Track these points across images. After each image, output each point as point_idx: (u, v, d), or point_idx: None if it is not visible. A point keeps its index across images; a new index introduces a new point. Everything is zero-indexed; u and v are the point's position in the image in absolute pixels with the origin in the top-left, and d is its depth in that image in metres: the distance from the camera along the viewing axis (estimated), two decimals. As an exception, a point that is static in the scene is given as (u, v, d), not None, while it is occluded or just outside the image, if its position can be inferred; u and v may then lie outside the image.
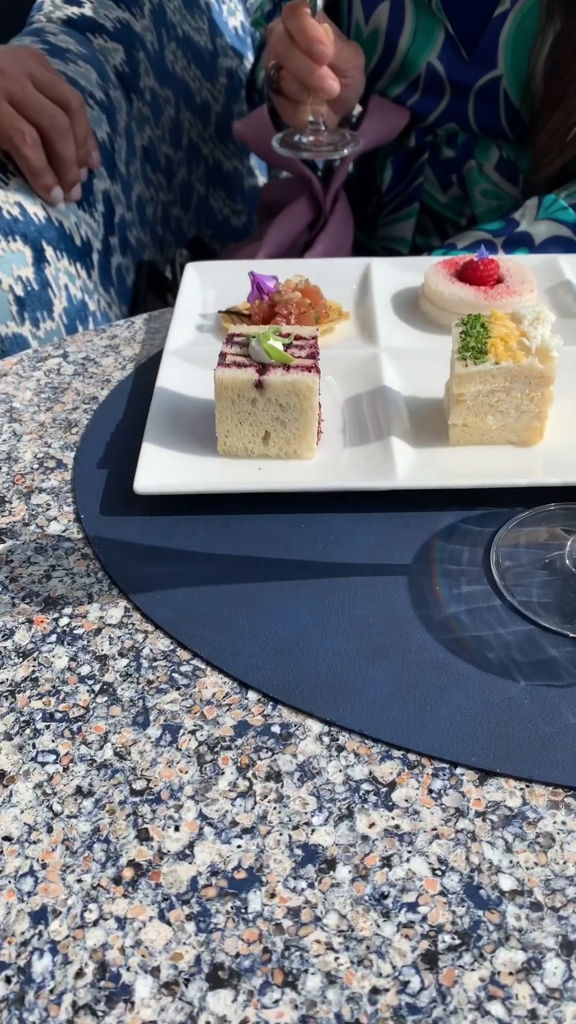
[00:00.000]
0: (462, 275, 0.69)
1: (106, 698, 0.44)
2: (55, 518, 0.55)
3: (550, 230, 0.88)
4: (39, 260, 0.85)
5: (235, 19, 1.30)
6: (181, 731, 0.43)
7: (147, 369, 0.66)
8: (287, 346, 0.55)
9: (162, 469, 0.55)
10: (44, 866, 0.38)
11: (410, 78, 0.97)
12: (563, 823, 0.39)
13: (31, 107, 0.85)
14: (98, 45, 1.07)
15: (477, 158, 0.99)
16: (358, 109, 1.03)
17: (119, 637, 0.47)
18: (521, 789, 0.40)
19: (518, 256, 0.74)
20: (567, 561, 0.50)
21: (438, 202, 1.05)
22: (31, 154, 0.84)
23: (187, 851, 0.38)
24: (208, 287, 0.73)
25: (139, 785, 0.41)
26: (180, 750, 0.42)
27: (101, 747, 0.42)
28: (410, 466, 0.55)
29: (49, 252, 0.87)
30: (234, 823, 0.39)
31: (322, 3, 0.82)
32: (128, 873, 0.37)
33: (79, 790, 0.40)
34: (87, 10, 1.09)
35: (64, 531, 0.54)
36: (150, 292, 1.10)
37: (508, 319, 0.57)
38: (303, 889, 0.37)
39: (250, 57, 1.32)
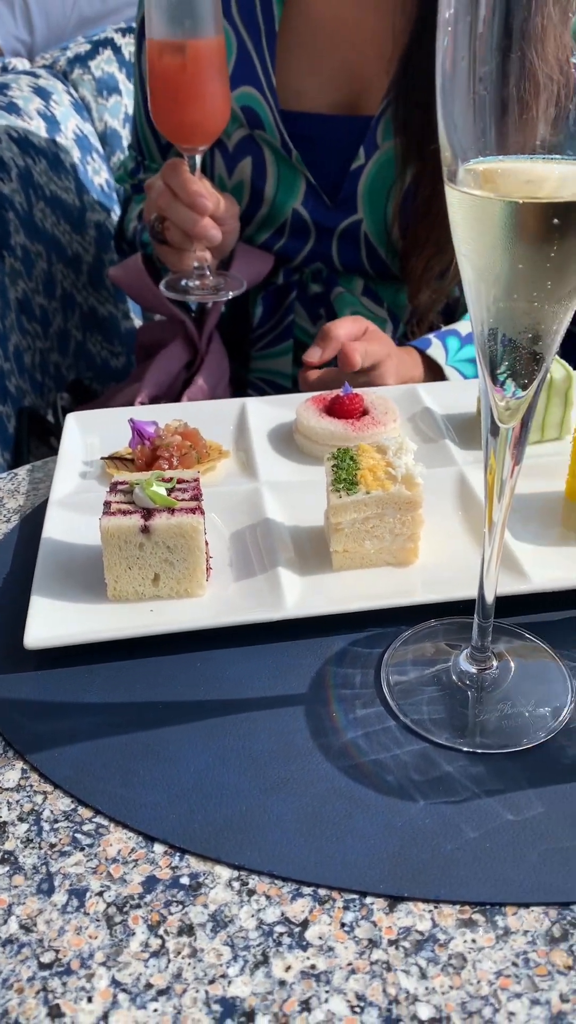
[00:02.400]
0: (330, 409, 0.73)
1: (7, 868, 0.43)
2: (-55, 681, 0.54)
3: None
4: None
5: (100, 177, 1.38)
6: (88, 894, 0.42)
7: (32, 520, 0.67)
8: (170, 490, 0.57)
9: (53, 621, 0.55)
10: (-51, 1062, 0.36)
11: (277, 223, 1.05)
12: (473, 941, 0.40)
13: None
14: (-32, 209, 1.11)
15: (343, 286, 1.07)
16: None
17: (17, 801, 0.46)
18: (430, 911, 0.41)
19: (379, 389, 0.79)
20: (453, 676, 0.52)
21: (309, 335, 1.12)
22: None
23: (101, 1022, 0.37)
24: (89, 434, 0.75)
25: (47, 958, 0.39)
26: (88, 914, 0.41)
27: (5, 921, 0.41)
28: (298, 595, 0.57)
29: None
30: (148, 985, 0.38)
31: (200, 161, 0.89)
32: (40, 1057, 0.36)
33: (-17, 972, 0.39)
34: (-45, 177, 1.14)
35: (-45, 694, 0.53)
36: (33, 437, 1.12)
37: (374, 450, 0.61)
38: (224, 1048, 0.36)
39: (116, 210, 1.40)
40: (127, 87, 1.42)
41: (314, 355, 0.84)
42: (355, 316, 0.91)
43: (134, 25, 1.21)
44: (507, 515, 0.47)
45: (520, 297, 0.39)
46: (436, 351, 0.93)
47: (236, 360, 1.16)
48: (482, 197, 0.37)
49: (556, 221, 0.37)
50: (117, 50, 1.43)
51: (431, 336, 0.95)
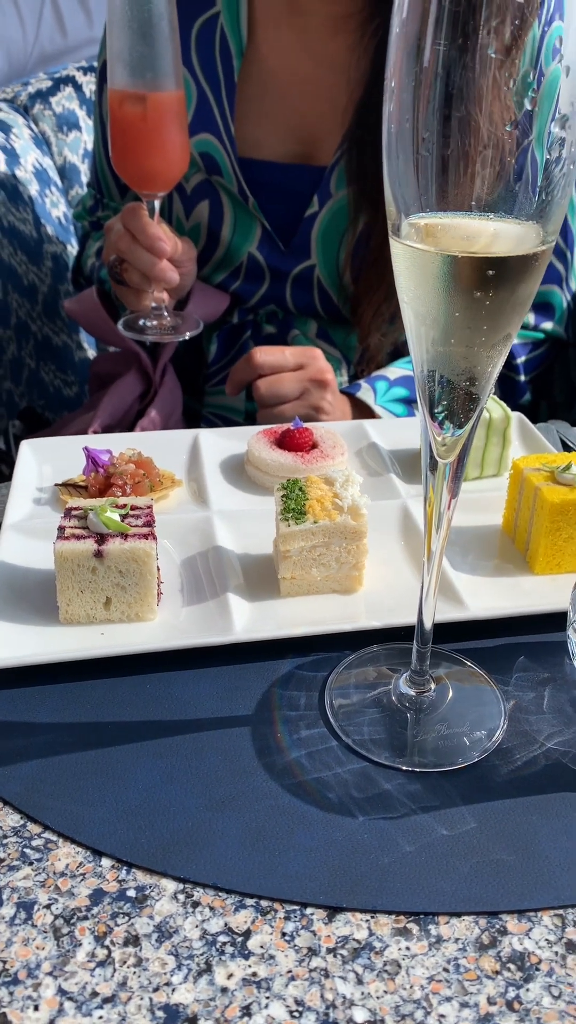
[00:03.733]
0: (281, 442, 0.76)
1: (-44, 882, 0.44)
2: None
3: None
4: None
5: (58, 210, 1.40)
6: (36, 907, 0.43)
7: (-14, 544, 0.68)
8: (124, 516, 0.59)
9: (5, 642, 0.56)
10: None
11: (233, 266, 1.08)
12: (407, 948, 0.42)
13: None
14: None
15: (298, 327, 1.11)
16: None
17: (-33, 817, 0.47)
18: (367, 921, 0.43)
19: (328, 424, 0.82)
20: (393, 698, 0.55)
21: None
22: None
23: (47, 1031, 0.38)
24: (43, 462, 0.76)
25: (-6, 969, 0.40)
26: (35, 926, 0.42)
27: (-47, 934, 0.42)
28: (246, 619, 0.59)
29: None
30: (94, 993, 0.39)
31: (158, 206, 0.92)
32: (-14, 1064, 0.37)
33: None
34: None
35: None
36: (-16, 463, 1.12)
37: (322, 482, 0.64)
38: (167, 1053, 0.37)
39: (73, 243, 1.42)
40: (87, 123, 1.45)
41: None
42: (297, 349, 0.94)
43: (95, 64, 1.25)
44: (444, 545, 0.50)
45: (457, 342, 0.42)
46: (365, 394, 0.98)
47: (189, 393, 1.19)
48: (423, 250, 0.41)
49: (490, 273, 0.40)
50: (78, 87, 1.46)
51: (361, 381, 1.00)
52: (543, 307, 1.08)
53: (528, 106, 0.38)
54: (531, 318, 1.07)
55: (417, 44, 0.38)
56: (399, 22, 0.38)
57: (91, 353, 1.47)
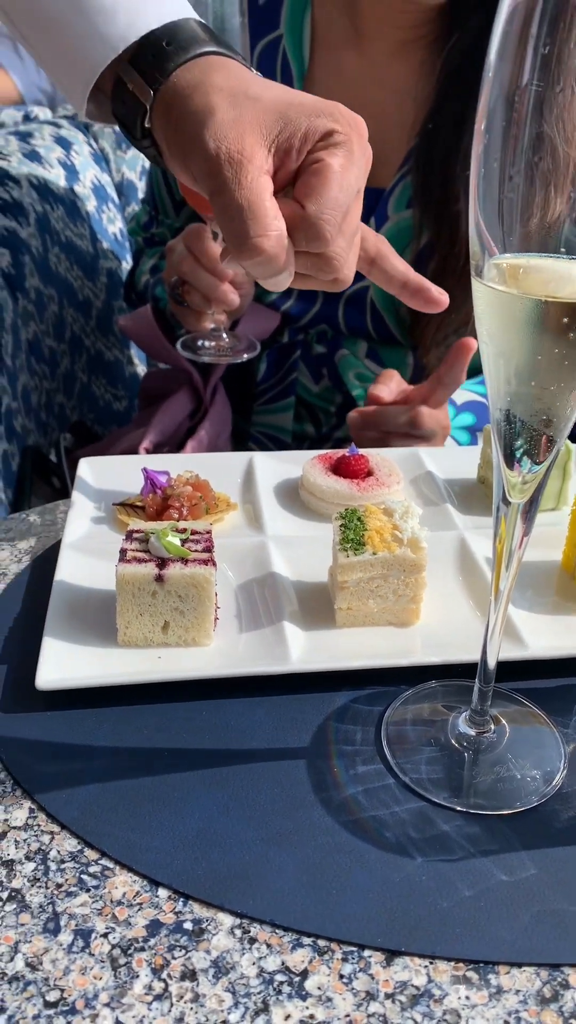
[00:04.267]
0: (336, 468, 0.76)
1: (15, 905, 0.44)
2: (-45, 717, 0.55)
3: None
4: None
5: (114, 227, 1.42)
6: (93, 935, 0.43)
7: (44, 562, 0.68)
8: (184, 540, 0.59)
9: (63, 663, 0.56)
10: None
11: None
12: (467, 998, 0.41)
13: None
14: (-13, 251, 1.15)
15: (347, 347, 1.11)
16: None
17: (25, 840, 0.47)
18: (426, 966, 0.42)
19: (383, 451, 0.82)
20: (451, 737, 0.54)
21: (311, 393, 1.15)
22: None
23: (106, 1065, 0.38)
24: (101, 480, 0.77)
25: (52, 996, 0.40)
26: (93, 955, 0.42)
27: (12, 958, 0.42)
28: (302, 649, 0.59)
29: None
30: (152, 1029, 0.39)
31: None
32: None
33: (-11, 1008, 0.40)
34: (-23, 220, 1.17)
35: (-36, 730, 0.54)
36: (35, 475, 1.14)
37: (381, 512, 0.63)
38: None
39: (128, 259, 1.43)
40: (145, 142, 1.47)
41: (383, 392, 0.92)
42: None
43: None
44: (513, 584, 0.49)
45: (537, 384, 0.42)
46: None
47: (238, 413, 1.19)
48: (507, 293, 0.40)
49: (567, 317, 0.40)
50: (138, 107, 1.48)
51: None
52: None
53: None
54: None
55: (512, 87, 0.38)
56: (493, 65, 0.38)
57: (141, 369, 1.48)
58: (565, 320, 0.40)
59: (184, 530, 0.60)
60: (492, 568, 0.49)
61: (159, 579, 0.57)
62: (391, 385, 0.94)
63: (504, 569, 0.48)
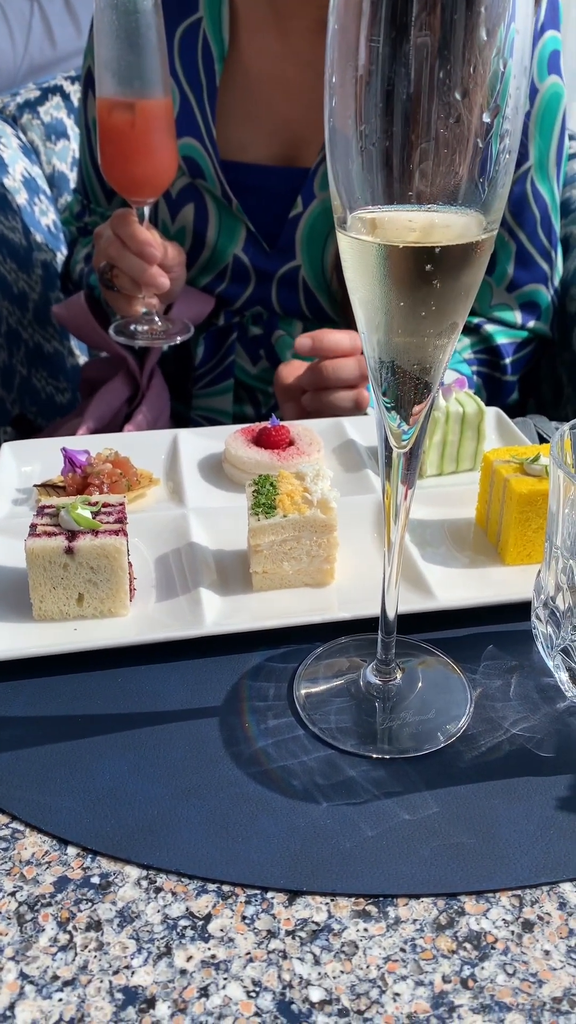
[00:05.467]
0: (258, 440, 0.77)
1: None
2: None
3: (450, 377, 0.99)
4: None
5: (47, 218, 1.42)
6: (0, 894, 0.44)
7: (-35, 544, 0.69)
8: (95, 513, 0.60)
9: (-20, 639, 0.57)
10: None
11: (219, 268, 1.09)
12: (365, 930, 0.42)
13: None
14: None
15: (283, 328, 1.11)
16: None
17: None
18: (327, 904, 0.43)
19: (307, 421, 0.83)
20: (361, 687, 0.55)
21: (249, 375, 1.16)
22: None
23: (7, 1012, 0.39)
24: (24, 464, 0.77)
25: (-42, 954, 0.41)
26: (0, 913, 0.43)
27: None
28: (217, 613, 0.60)
29: None
30: (55, 977, 0.40)
31: (148, 212, 0.93)
32: (-53, 1046, 0.37)
33: None
34: None
35: None
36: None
37: (293, 477, 0.64)
38: (124, 1033, 0.38)
39: (63, 251, 1.43)
40: (75, 132, 1.46)
41: (304, 345, 0.89)
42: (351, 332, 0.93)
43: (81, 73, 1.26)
44: (403, 535, 0.50)
45: (404, 332, 0.43)
46: None
47: (178, 398, 1.20)
48: (368, 242, 0.41)
49: (433, 262, 0.41)
50: (66, 97, 1.48)
51: None
52: (529, 306, 1.08)
53: (467, 100, 0.39)
54: (518, 317, 1.08)
55: (354, 42, 0.38)
56: (334, 20, 0.39)
57: (83, 359, 1.48)
58: (424, 266, 0.41)
59: (95, 503, 0.61)
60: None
61: (69, 551, 0.58)
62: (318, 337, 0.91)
63: (393, 522, 0.50)
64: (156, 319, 1.00)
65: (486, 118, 0.39)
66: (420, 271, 0.41)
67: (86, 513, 0.59)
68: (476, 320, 1.07)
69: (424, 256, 0.41)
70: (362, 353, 0.89)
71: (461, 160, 0.40)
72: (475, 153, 0.40)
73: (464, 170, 0.40)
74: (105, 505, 0.61)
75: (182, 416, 1.20)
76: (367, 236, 0.41)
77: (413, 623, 0.60)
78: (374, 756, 0.51)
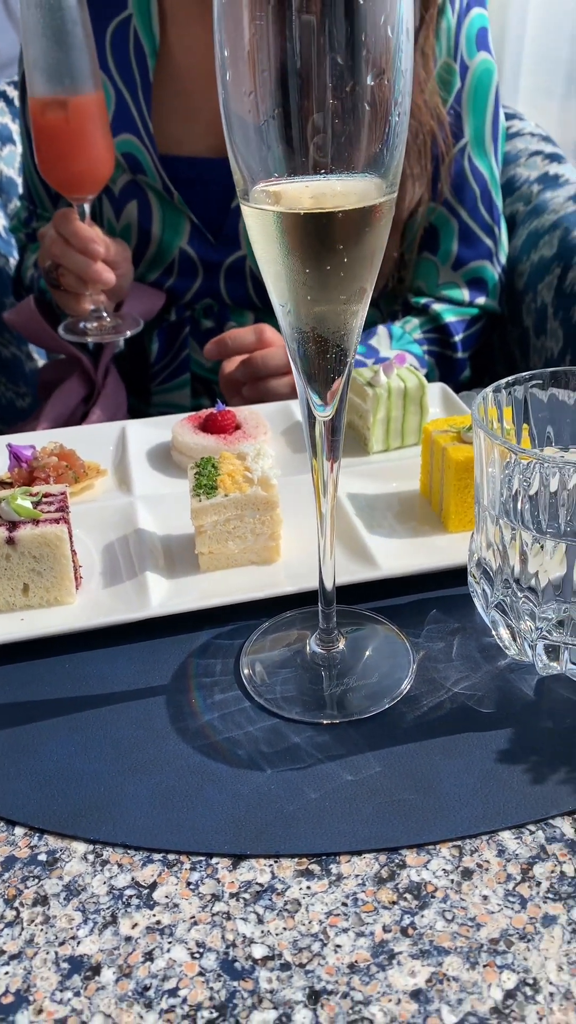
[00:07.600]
0: (204, 426, 0.77)
1: None
2: None
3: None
4: None
5: (-2, 225, 1.42)
6: (-52, 877, 0.44)
7: None
8: (36, 503, 0.61)
9: None
10: None
11: (166, 262, 1.10)
12: (308, 887, 0.43)
13: None
14: None
15: (235, 319, 1.12)
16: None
17: None
18: (270, 866, 0.44)
19: (254, 406, 0.84)
20: (307, 656, 0.56)
21: (205, 368, 1.17)
22: None
23: (-47, 989, 0.39)
24: (-27, 463, 0.77)
25: None
26: (-52, 895, 0.43)
27: None
28: (164, 595, 0.61)
29: None
30: (1, 952, 0.40)
31: (88, 209, 0.94)
32: None
33: None
34: None
35: None
36: None
37: (234, 457, 0.65)
38: (69, 999, 0.38)
39: (14, 256, 1.43)
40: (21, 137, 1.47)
41: (212, 352, 0.93)
42: (257, 327, 0.94)
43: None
44: (333, 507, 0.51)
45: (315, 299, 0.44)
46: None
47: (137, 395, 1.20)
48: (270, 211, 0.42)
49: (335, 227, 0.41)
50: (10, 102, 1.48)
51: None
52: (476, 282, 1.09)
53: (356, 67, 0.40)
54: (465, 294, 1.09)
55: (239, 19, 0.39)
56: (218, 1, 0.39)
57: (42, 363, 1.48)
58: (325, 231, 0.41)
59: (36, 493, 0.61)
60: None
61: (10, 541, 0.58)
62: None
63: (322, 496, 0.50)
64: (105, 315, 1.01)
65: (373, 82, 0.40)
66: (323, 237, 0.42)
67: (26, 503, 0.60)
68: (424, 300, 1.08)
69: (324, 221, 0.41)
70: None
71: (355, 127, 0.40)
72: (368, 119, 0.40)
73: (359, 137, 0.41)
74: (46, 495, 0.62)
75: (142, 413, 1.21)
76: (269, 206, 0.42)
77: (359, 593, 0.61)
78: (318, 722, 0.51)
